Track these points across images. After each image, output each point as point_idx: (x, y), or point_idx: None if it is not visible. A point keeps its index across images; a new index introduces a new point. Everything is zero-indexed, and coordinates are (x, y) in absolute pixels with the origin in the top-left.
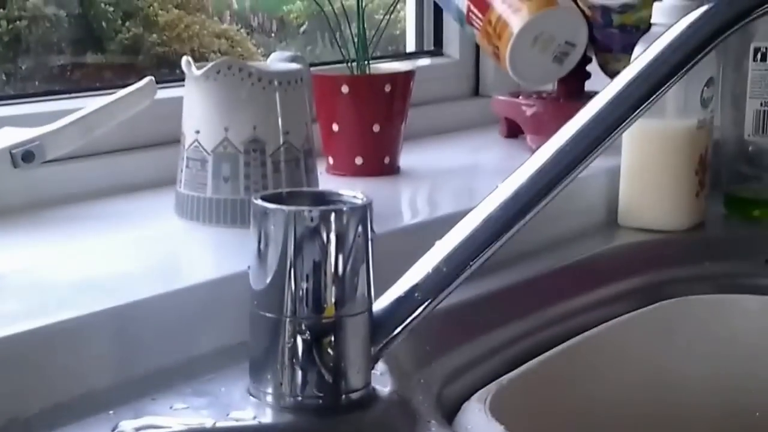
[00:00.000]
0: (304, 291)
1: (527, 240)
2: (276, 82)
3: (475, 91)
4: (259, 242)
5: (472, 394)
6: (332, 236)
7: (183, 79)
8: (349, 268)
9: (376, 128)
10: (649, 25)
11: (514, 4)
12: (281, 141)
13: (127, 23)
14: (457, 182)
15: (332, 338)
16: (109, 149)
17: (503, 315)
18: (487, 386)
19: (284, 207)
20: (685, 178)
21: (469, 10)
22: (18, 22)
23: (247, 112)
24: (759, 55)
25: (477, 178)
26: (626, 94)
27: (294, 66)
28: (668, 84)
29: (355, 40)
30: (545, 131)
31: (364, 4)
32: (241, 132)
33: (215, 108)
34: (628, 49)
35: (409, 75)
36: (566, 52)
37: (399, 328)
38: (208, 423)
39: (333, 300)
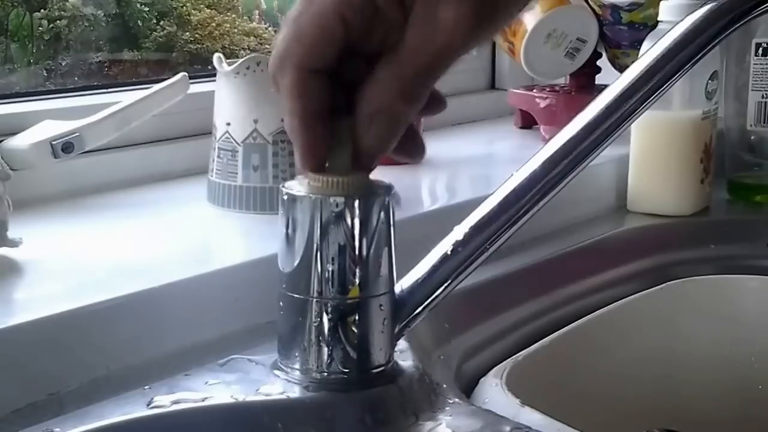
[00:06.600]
0: (330, 273)
1: (541, 224)
2: None
3: (492, 85)
4: (287, 227)
5: (489, 370)
6: (356, 221)
7: (214, 75)
8: (372, 251)
9: None
10: (656, 23)
11: None
12: None
13: (162, 22)
14: (475, 170)
15: (356, 317)
16: (144, 140)
17: (518, 295)
18: (504, 362)
19: (311, 194)
20: (691, 165)
21: None
22: (58, 22)
23: (275, 106)
24: (760, 50)
25: (493, 166)
26: (635, 87)
27: None
28: (674, 78)
29: None
30: (558, 122)
31: None
32: (269, 124)
33: (245, 102)
34: (637, 45)
35: None
36: (578, 47)
37: (420, 308)
38: (239, 397)
39: (357, 281)
